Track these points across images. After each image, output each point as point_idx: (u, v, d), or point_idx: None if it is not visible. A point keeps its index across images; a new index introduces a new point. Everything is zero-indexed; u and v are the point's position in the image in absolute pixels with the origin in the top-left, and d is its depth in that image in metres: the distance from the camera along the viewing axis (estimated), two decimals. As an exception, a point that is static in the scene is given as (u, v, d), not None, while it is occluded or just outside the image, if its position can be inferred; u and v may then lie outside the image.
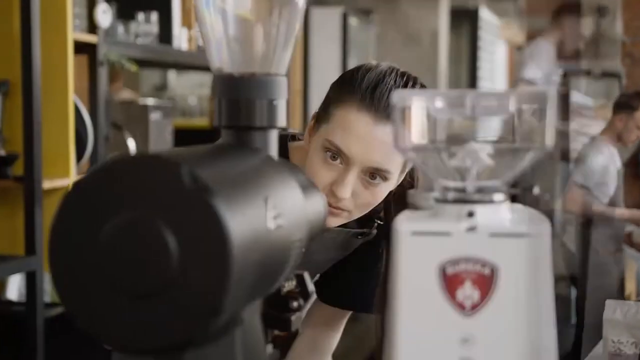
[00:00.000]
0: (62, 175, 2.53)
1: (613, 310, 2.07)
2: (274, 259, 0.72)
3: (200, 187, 0.62)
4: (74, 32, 2.58)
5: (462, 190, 0.73)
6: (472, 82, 7.58)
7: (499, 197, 0.72)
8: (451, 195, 0.72)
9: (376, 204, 1.32)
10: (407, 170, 1.35)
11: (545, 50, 4.39)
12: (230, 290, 0.62)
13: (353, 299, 1.47)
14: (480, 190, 0.72)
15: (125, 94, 3.84)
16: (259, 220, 0.68)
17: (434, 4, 5.62)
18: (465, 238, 0.69)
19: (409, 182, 1.38)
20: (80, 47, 2.66)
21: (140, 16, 3.07)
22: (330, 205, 1.28)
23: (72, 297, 0.64)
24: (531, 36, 9.93)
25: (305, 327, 1.50)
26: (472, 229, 0.69)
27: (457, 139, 0.75)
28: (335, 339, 1.53)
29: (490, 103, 0.71)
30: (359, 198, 1.29)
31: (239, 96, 0.82)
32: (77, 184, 0.65)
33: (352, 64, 6.24)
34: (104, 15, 2.67)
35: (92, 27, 2.69)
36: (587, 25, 4.67)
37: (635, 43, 7.53)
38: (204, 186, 0.62)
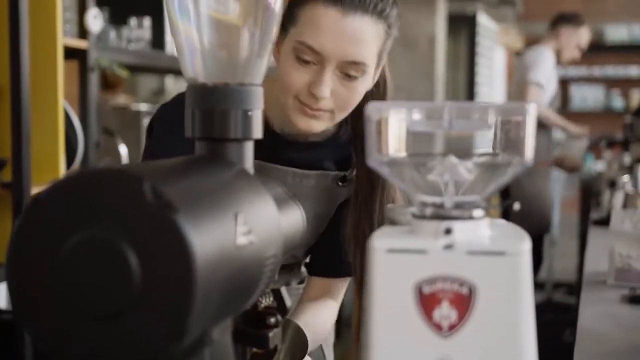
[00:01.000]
0: (52, 181, 2.50)
1: (621, 220, 1.95)
2: (245, 276, 0.70)
3: (163, 204, 0.59)
4: (65, 38, 2.56)
5: (440, 205, 0.70)
6: (470, 87, 7.56)
7: (478, 213, 0.70)
8: (429, 210, 0.70)
9: (356, 103, 1.29)
10: (382, 64, 1.33)
11: (547, 56, 4.42)
12: (195, 310, 0.60)
13: (347, 265, 1.43)
14: (459, 205, 0.70)
15: (121, 99, 3.82)
16: (227, 237, 0.65)
17: (432, 10, 5.60)
18: (442, 256, 0.67)
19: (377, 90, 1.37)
20: (71, 53, 2.63)
21: (133, 21, 3.05)
22: (310, 108, 1.26)
23: (30, 315, 0.62)
24: (529, 42, 9.94)
25: (304, 301, 1.47)
26: (449, 246, 0.67)
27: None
28: (335, 308, 1.49)
29: (468, 116, 0.69)
30: (338, 96, 1.26)
31: (213, 107, 0.79)
32: (37, 199, 0.62)
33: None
34: (95, 21, 2.64)
35: (83, 33, 2.66)
36: (585, 34, 4.68)
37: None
38: (167, 202, 0.59)
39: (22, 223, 0.63)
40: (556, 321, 4.01)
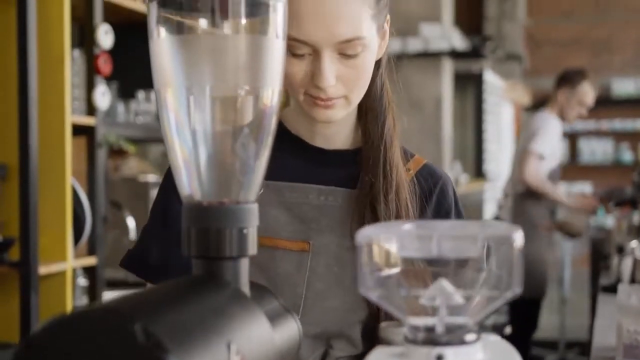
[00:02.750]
0: (59, 259, 2.52)
1: (627, 295, 1.90)
2: (238, 403, 0.70)
3: (154, 344, 0.60)
4: (73, 115, 2.60)
5: (432, 329, 0.70)
6: (478, 144, 7.58)
7: (470, 337, 0.70)
8: (420, 335, 0.70)
9: (368, 78, 1.20)
10: (385, 26, 1.24)
11: (553, 125, 4.43)
12: None
13: None
14: (450, 330, 0.70)
15: (132, 163, 3.85)
16: (219, 369, 0.66)
17: (437, 70, 5.65)
18: (434, 384, 0.67)
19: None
20: (79, 129, 2.66)
21: (141, 94, 3.09)
22: (321, 99, 1.18)
23: None
24: (536, 97, 10.01)
25: None
26: (440, 375, 0.67)
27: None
28: None
29: (456, 244, 0.70)
30: (345, 79, 1.17)
31: (209, 226, 0.80)
32: (29, 340, 0.63)
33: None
34: (103, 98, 2.68)
35: (91, 109, 2.70)
36: (585, 90, 4.64)
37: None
38: (158, 343, 0.60)
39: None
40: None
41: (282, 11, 0.81)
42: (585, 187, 10.31)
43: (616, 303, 2.01)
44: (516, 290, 0.69)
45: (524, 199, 4.46)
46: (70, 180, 2.55)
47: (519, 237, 0.69)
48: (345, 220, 1.25)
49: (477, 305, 0.71)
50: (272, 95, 0.84)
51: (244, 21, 0.79)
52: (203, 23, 0.83)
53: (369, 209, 1.24)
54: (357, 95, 1.20)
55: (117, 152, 3.63)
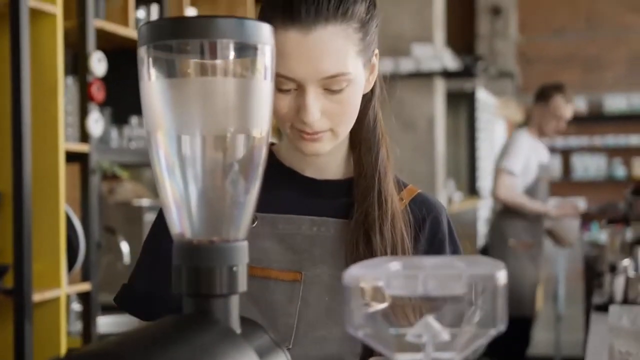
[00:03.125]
0: (53, 286, 2.52)
1: (619, 316, 1.90)
2: None
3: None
4: (66, 142, 2.61)
5: (419, 366, 0.72)
6: (472, 162, 7.61)
7: (456, 374, 0.71)
8: (407, 373, 0.72)
9: (355, 111, 1.21)
10: (372, 62, 1.24)
11: (523, 141, 4.42)
12: None
13: None
14: (436, 366, 0.72)
15: (127, 186, 3.86)
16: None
17: (430, 90, 5.69)
18: (421, 422, 0.68)
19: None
20: (73, 156, 2.68)
21: (134, 120, 3.11)
22: (307, 133, 1.19)
23: None
24: (529, 113, 10.06)
25: None
26: (426, 413, 0.68)
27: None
28: None
29: (442, 283, 0.71)
30: (330, 114, 1.18)
31: (199, 264, 0.82)
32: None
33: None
34: (96, 125, 2.70)
35: (85, 136, 2.72)
36: (558, 103, 4.57)
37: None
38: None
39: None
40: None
41: (269, 54, 0.83)
42: (578, 203, 10.33)
43: (607, 324, 2.02)
44: (500, 327, 0.71)
45: (501, 217, 4.49)
46: (64, 207, 2.56)
47: (502, 276, 0.70)
48: (338, 251, 1.26)
49: (463, 341, 0.72)
50: (260, 135, 0.86)
51: (232, 64, 0.81)
52: (193, 66, 0.85)
53: (364, 239, 1.25)
54: (344, 129, 1.22)
55: (111, 176, 3.64)
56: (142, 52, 0.81)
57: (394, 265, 0.74)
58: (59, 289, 2.54)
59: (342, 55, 1.15)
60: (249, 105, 0.84)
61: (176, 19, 0.81)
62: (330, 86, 1.16)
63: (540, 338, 6.74)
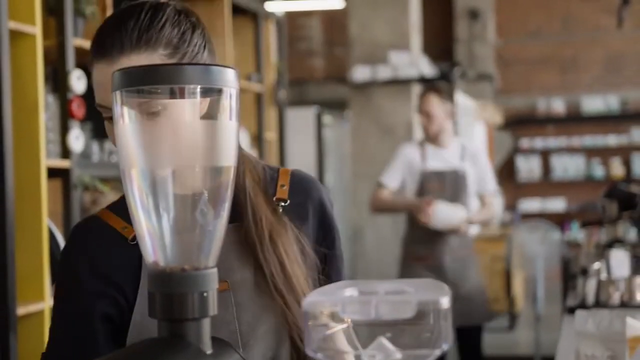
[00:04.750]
0: (37, 299, 2.58)
1: (584, 320, 1.97)
2: None
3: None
4: (48, 158, 2.66)
5: (373, 383, 0.79)
6: (451, 165, 7.69)
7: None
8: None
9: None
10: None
11: (401, 153, 4.23)
12: None
13: None
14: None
15: (109, 197, 3.90)
16: None
17: (407, 96, 5.77)
18: None
19: None
20: (54, 172, 2.73)
21: (114, 134, 3.17)
22: None
23: None
24: (508, 115, 10.18)
25: None
26: None
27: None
28: None
29: (393, 307, 0.78)
30: None
31: (172, 291, 0.89)
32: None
33: (328, 160, 6.38)
34: (77, 141, 2.76)
35: (66, 152, 2.77)
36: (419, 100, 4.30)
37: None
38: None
39: None
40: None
41: (234, 96, 0.89)
42: (558, 203, 10.48)
43: (574, 328, 2.10)
44: (445, 346, 0.78)
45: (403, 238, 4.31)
46: (46, 222, 2.61)
47: (445, 301, 0.78)
48: (248, 255, 1.30)
49: (412, 360, 0.80)
50: (228, 166, 0.93)
51: (199, 106, 0.88)
52: (163, 109, 0.92)
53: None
54: None
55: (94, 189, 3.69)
56: (116, 96, 0.88)
57: (349, 292, 0.82)
58: (43, 302, 2.59)
59: None
60: (216, 143, 0.91)
61: (146, 67, 0.88)
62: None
63: (520, 337, 6.84)
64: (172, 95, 0.89)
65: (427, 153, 4.20)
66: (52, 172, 2.72)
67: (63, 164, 2.75)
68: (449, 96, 4.17)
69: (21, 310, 2.50)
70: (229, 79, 0.90)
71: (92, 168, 2.97)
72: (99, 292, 1.27)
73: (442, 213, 3.99)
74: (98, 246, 1.30)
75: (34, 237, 2.57)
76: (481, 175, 4.18)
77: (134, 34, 1.21)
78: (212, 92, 0.89)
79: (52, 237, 2.68)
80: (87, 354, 1.25)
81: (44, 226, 2.60)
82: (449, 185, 4.14)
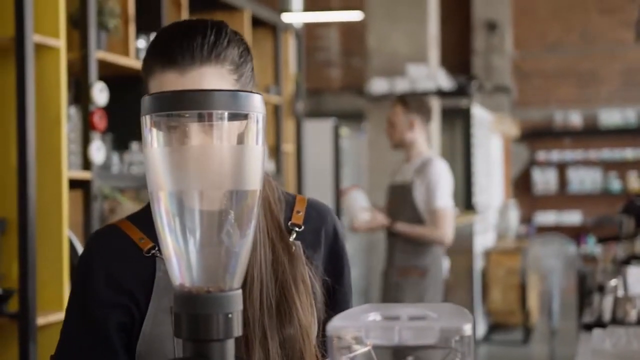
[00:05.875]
0: (57, 309, 2.60)
1: (602, 339, 1.98)
2: None
3: None
4: (69, 170, 2.69)
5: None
6: (468, 178, 7.70)
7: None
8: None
9: None
10: None
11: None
12: None
13: None
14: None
15: (127, 206, 3.93)
16: None
17: (425, 108, 5.77)
18: None
19: None
20: (75, 183, 2.76)
21: (135, 146, 3.20)
22: None
23: None
24: (525, 128, 10.16)
25: None
26: None
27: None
28: None
29: (416, 333, 0.80)
30: None
31: (197, 312, 0.90)
32: None
33: (344, 171, 6.39)
34: (98, 152, 2.79)
35: (87, 164, 2.80)
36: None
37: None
38: None
39: None
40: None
41: (261, 121, 0.91)
42: (574, 216, 10.44)
43: (591, 347, 2.10)
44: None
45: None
46: (67, 233, 2.64)
47: (468, 327, 0.79)
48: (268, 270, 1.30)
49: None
50: (253, 190, 0.94)
51: (227, 131, 0.90)
52: (191, 133, 0.94)
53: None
54: None
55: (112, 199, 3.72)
56: (145, 120, 0.90)
57: (372, 316, 0.83)
58: (62, 312, 2.62)
59: None
60: (243, 167, 0.93)
61: (176, 93, 0.90)
62: None
63: (534, 352, 6.82)
64: (201, 120, 0.91)
65: (398, 168, 4.21)
66: (73, 183, 2.75)
67: (84, 175, 2.78)
68: (416, 110, 4.09)
69: (41, 321, 2.52)
70: (256, 105, 0.92)
71: (112, 179, 3.00)
72: (113, 300, 1.29)
73: (350, 199, 4.02)
74: (114, 255, 1.32)
75: (54, 247, 2.60)
76: (429, 191, 3.98)
77: (205, 48, 1.24)
78: (239, 117, 0.91)
79: (72, 248, 2.71)
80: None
81: (65, 237, 2.63)
82: (397, 198, 4.08)
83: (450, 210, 4.01)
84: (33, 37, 2.49)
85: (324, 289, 1.34)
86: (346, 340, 0.81)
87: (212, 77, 1.24)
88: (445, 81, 5.94)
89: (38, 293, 2.52)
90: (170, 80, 1.23)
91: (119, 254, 1.32)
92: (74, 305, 1.32)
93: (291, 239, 1.33)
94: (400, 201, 4.05)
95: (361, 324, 0.81)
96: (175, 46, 1.23)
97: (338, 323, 0.81)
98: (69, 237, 2.69)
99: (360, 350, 0.82)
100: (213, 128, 0.89)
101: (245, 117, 0.91)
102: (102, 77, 2.88)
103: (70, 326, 1.32)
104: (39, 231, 2.54)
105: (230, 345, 0.92)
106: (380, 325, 0.81)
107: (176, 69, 1.23)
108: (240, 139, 0.91)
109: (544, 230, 9.57)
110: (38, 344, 2.50)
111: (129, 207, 3.84)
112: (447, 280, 4.38)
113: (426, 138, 4.17)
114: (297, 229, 1.34)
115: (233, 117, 0.90)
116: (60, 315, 2.62)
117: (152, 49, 1.27)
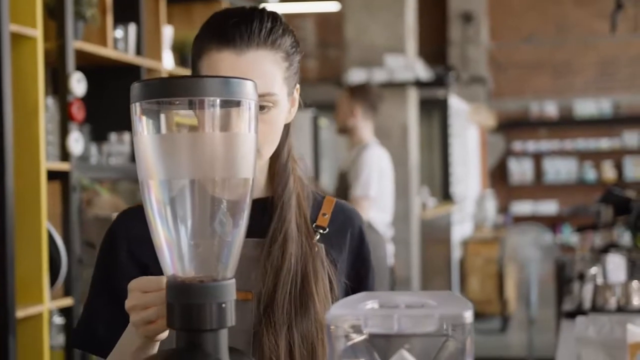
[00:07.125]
0: (36, 301, 2.57)
1: (585, 326, 1.97)
2: None
3: None
4: (48, 161, 2.66)
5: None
6: (445, 168, 7.72)
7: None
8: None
9: (278, 134, 1.28)
10: (294, 95, 1.32)
11: None
12: None
13: None
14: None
15: (104, 198, 3.89)
16: None
17: (403, 99, 5.77)
18: None
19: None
20: (54, 174, 2.73)
21: (113, 137, 3.16)
22: None
23: None
24: (501, 118, 10.20)
25: None
26: None
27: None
28: None
29: (415, 321, 0.79)
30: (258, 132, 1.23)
31: (190, 302, 0.89)
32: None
33: (324, 162, 6.39)
34: (76, 144, 2.75)
35: (65, 155, 2.77)
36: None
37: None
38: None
39: None
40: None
41: (253, 108, 0.90)
42: (550, 206, 10.51)
43: (575, 335, 2.10)
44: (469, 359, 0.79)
45: None
46: (45, 224, 2.61)
47: (468, 315, 0.78)
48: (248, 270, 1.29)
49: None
50: (245, 178, 0.93)
51: (218, 118, 0.88)
52: (182, 121, 0.92)
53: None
54: (268, 149, 1.28)
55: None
56: (135, 108, 0.88)
57: (370, 305, 0.82)
58: (42, 305, 2.59)
59: (270, 77, 1.24)
60: (234, 155, 0.91)
61: (165, 79, 0.88)
62: (260, 103, 1.17)
63: (514, 340, 6.86)
64: (191, 107, 0.89)
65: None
66: (51, 175, 2.71)
67: (63, 166, 2.75)
68: (359, 98, 4.15)
69: (20, 313, 2.49)
70: (248, 91, 0.90)
71: (91, 170, 2.96)
72: (134, 274, 1.27)
73: None
74: (138, 233, 1.30)
75: (33, 239, 2.57)
76: (353, 179, 4.03)
77: (262, 32, 1.25)
78: (231, 104, 0.89)
79: (51, 239, 2.67)
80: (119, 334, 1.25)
81: (44, 229, 2.60)
82: (340, 186, 4.15)
83: (368, 199, 3.99)
84: (9, 27, 2.44)
85: (343, 290, 1.34)
86: (344, 329, 0.80)
87: (267, 60, 1.25)
88: (423, 72, 5.94)
89: (17, 285, 2.49)
90: (226, 60, 1.23)
91: (143, 233, 1.29)
92: (97, 279, 1.34)
93: (315, 240, 1.32)
94: (341, 188, 4.09)
95: (360, 312, 0.80)
96: (233, 27, 1.24)
97: (336, 312, 0.80)
98: (48, 229, 2.65)
99: (358, 338, 0.81)
100: (204, 114, 0.87)
101: (237, 104, 0.89)
102: (79, 68, 2.85)
103: (93, 298, 1.33)
104: (18, 223, 2.51)
105: (224, 335, 0.90)
106: (380, 314, 0.80)
107: (233, 49, 1.23)
108: (232, 127, 0.89)
109: (520, 220, 9.63)
110: (17, 337, 2.47)
111: (107, 198, 3.81)
112: (393, 266, 4.28)
113: (370, 127, 4.22)
114: (321, 231, 1.34)
115: (224, 103, 0.88)
116: (39, 308, 2.59)
117: (206, 29, 1.27)
